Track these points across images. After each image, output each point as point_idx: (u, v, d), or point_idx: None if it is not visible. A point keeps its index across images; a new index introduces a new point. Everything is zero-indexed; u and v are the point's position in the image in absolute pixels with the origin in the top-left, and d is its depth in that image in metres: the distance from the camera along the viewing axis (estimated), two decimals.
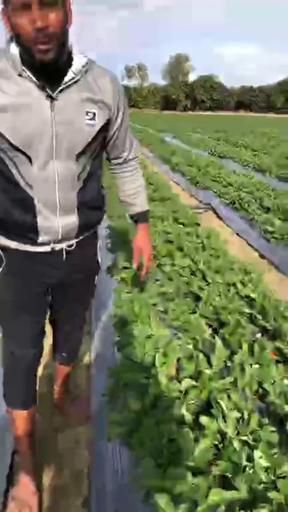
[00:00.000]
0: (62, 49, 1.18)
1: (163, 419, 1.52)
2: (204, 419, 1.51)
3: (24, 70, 1.19)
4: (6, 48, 1.21)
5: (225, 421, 1.50)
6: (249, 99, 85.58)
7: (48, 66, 1.17)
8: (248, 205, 5.75)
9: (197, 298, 2.83)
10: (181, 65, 76.54)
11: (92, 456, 1.82)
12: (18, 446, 1.75)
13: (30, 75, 1.19)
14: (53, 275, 1.49)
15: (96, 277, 1.73)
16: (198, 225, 4.78)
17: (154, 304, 2.67)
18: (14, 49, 1.19)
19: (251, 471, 1.36)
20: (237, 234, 5.07)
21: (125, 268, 3.28)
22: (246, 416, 1.60)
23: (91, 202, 1.43)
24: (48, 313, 1.69)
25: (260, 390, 1.88)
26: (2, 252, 1.44)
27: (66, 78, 1.23)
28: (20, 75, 1.20)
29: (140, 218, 1.78)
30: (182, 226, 4.39)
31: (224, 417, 1.51)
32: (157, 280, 3.13)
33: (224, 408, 1.53)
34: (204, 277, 3.04)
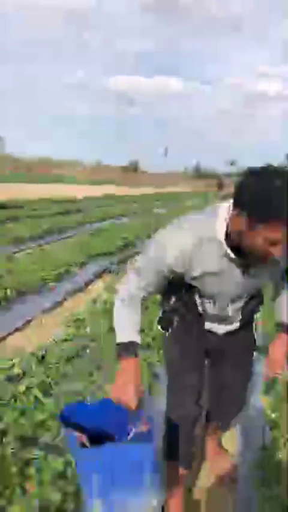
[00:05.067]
0: None
1: None
2: None
3: (228, 253, 1.36)
4: (215, 228, 1.36)
5: None
6: None
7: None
8: None
9: None
10: None
11: None
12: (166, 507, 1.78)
13: (232, 256, 1.36)
14: (212, 340, 1.68)
15: (254, 354, 1.85)
16: None
17: None
18: (221, 234, 1.35)
19: None
20: None
21: None
22: None
23: (250, 313, 1.68)
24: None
25: None
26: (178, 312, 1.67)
27: None
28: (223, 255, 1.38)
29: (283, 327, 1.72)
30: None
31: None
32: None
33: None
34: None
